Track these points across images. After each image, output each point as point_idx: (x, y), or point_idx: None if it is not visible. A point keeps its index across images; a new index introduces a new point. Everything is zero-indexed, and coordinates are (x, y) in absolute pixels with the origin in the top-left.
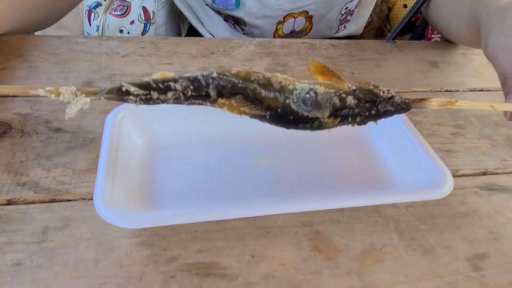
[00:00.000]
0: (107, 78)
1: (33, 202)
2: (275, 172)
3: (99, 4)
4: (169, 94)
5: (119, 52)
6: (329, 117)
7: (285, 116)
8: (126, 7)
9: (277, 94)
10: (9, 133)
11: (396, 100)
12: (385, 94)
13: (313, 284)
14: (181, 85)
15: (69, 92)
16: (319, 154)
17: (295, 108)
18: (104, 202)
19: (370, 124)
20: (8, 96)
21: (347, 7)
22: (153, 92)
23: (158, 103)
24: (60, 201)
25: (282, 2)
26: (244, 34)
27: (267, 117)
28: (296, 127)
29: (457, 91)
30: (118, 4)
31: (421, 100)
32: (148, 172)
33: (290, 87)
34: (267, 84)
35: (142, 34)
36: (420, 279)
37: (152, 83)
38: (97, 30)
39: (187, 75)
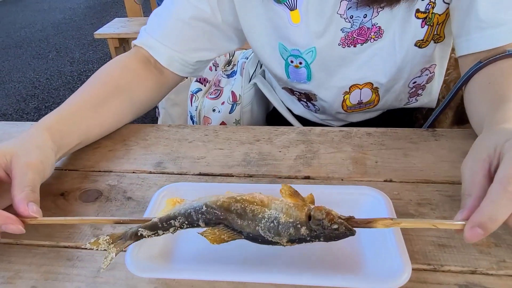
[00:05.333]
0: (172, 160)
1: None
2: (270, 250)
3: (199, 90)
4: (171, 229)
5: (188, 138)
6: (286, 242)
7: (255, 238)
8: (219, 91)
9: (249, 222)
10: (99, 198)
11: (340, 231)
12: (332, 225)
13: None
14: (179, 221)
15: (104, 242)
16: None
17: (263, 234)
18: (130, 258)
19: (360, 209)
20: (108, 171)
21: (415, 81)
22: (159, 230)
23: (164, 234)
24: None
25: (346, 71)
26: (316, 111)
27: (243, 237)
28: (264, 244)
29: None
30: (214, 88)
31: (368, 222)
32: (169, 237)
33: (260, 216)
34: (242, 214)
35: (230, 112)
36: None
37: (158, 223)
38: (196, 110)
39: (184, 208)
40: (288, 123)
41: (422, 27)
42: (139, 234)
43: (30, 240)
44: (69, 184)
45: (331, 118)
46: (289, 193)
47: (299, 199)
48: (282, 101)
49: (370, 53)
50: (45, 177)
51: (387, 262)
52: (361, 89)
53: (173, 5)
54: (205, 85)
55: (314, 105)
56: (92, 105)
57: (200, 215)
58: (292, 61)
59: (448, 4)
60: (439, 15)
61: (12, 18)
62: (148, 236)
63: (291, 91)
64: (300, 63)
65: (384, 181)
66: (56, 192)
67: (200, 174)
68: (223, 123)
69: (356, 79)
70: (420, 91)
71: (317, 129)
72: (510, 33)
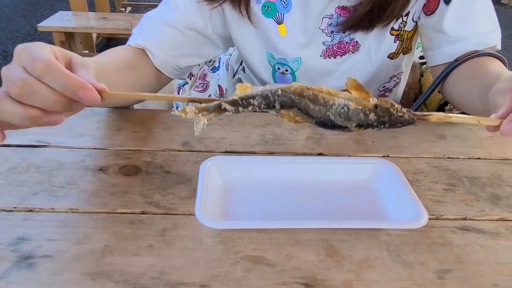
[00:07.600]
0: (197, 140)
1: (155, 214)
2: (307, 207)
3: (186, 83)
4: (250, 108)
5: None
6: (355, 127)
7: (326, 123)
8: (205, 85)
9: (321, 107)
10: (140, 173)
11: (405, 117)
12: (397, 113)
13: (324, 275)
14: (257, 101)
15: (191, 111)
16: (338, 194)
17: (333, 119)
18: (200, 214)
19: (376, 175)
20: (138, 150)
21: (384, 86)
22: (239, 107)
23: (244, 112)
24: (171, 214)
25: (327, 80)
26: None
27: (313, 123)
28: (333, 130)
29: (457, 158)
30: (200, 82)
31: (425, 115)
32: (224, 200)
33: (331, 102)
34: (314, 100)
35: None
36: (398, 280)
37: (239, 100)
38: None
39: (260, 90)
40: None
41: (394, 42)
42: (222, 107)
43: (86, 208)
44: (104, 161)
45: None
46: (354, 85)
47: (363, 91)
48: None
49: (349, 64)
50: None
51: (409, 210)
52: None
53: (168, 14)
54: (190, 79)
55: None
56: (113, 68)
57: (276, 97)
58: (279, 68)
59: (416, 22)
60: (408, 31)
61: None
62: (230, 110)
63: None
64: (286, 70)
65: (383, 156)
66: (94, 168)
67: (226, 152)
68: None
69: (336, 87)
70: (387, 94)
71: None
72: (477, 44)
